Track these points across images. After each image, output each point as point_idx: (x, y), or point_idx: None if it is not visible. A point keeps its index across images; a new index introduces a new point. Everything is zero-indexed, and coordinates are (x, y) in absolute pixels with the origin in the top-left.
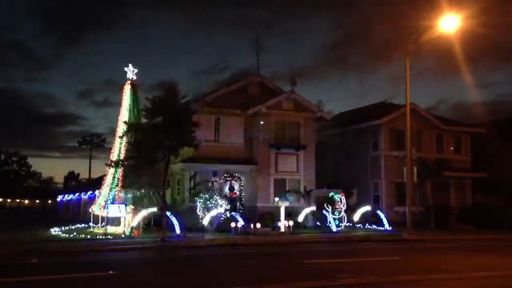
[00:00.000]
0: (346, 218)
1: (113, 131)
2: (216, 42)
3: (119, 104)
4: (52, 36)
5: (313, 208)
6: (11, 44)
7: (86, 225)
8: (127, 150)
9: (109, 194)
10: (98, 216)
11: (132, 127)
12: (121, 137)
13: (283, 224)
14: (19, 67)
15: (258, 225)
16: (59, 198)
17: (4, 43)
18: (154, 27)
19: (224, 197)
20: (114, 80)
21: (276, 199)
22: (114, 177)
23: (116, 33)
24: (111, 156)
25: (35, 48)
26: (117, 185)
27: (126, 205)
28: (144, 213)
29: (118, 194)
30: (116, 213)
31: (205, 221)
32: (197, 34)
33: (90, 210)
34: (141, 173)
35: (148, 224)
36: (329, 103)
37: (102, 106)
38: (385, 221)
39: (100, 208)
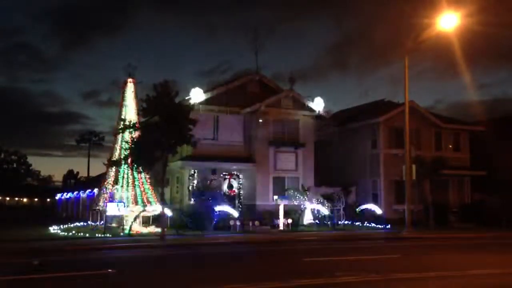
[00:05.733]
0: (344, 216)
1: (114, 130)
2: (219, 44)
3: (119, 103)
4: (59, 38)
5: (312, 206)
6: (19, 46)
7: (85, 223)
8: (125, 149)
9: (108, 192)
10: (96, 214)
11: (130, 125)
12: (117, 135)
13: (282, 222)
14: (26, 68)
15: (257, 223)
16: (58, 196)
17: (12, 45)
18: (158, 30)
19: (223, 195)
20: (119, 80)
21: (275, 197)
22: (114, 175)
23: (121, 35)
24: (112, 154)
25: (42, 50)
26: (116, 183)
27: (125, 203)
28: (143, 211)
29: (117, 192)
30: (115, 211)
31: (205, 219)
32: (200, 36)
33: (96, 208)
34: (140, 171)
35: (147, 222)
36: (329, 103)
37: (106, 105)
38: (383, 219)
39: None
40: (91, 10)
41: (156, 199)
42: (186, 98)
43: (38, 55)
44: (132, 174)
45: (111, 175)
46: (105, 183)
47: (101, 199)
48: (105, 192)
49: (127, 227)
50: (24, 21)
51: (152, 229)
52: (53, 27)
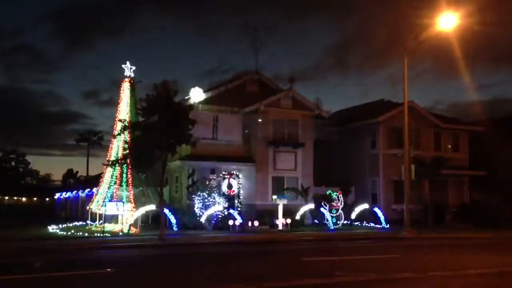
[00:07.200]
0: (343, 216)
1: (113, 129)
2: (219, 44)
3: (118, 103)
4: (60, 39)
5: (311, 206)
6: (21, 46)
7: (84, 223)
8: (124, 148)
9: (107, 192)
10: (96, 213)
11: (129, 125)
12: (117, 135)
13: (281, 222)
14: (27, 69)
15: (256, 223)
16: (57, 195)
17: (14, 46)
18: (158, 30)
19: (222, 195)
20: (119, 80)
21: (274, 197)
22: (112, 175)
23: (122, 36)
24: (109, 154)
25: (44, 50)
26: (115, 183)
27: (123, 203)
28: (142, 210)
29: (116, 192)
30: (114, 210)
31: (203, 219)
32: (200, 36)
33: (88, 208)
34: (139, 171)
35: (146, 222)
36: (329, 104)
37: (106, 105)
38: (382, 219)
39: (98, 206)
40: (92, 11)
41: (155, 199)
42: (186, 98)
43: (39, 55)
44: (132, 174)
45: (109, 174)
46: (104, 182)
47: (98, 199)
48: (103, 191)
49: (126, 227)
50: (25, 22)
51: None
52: (54, 28)
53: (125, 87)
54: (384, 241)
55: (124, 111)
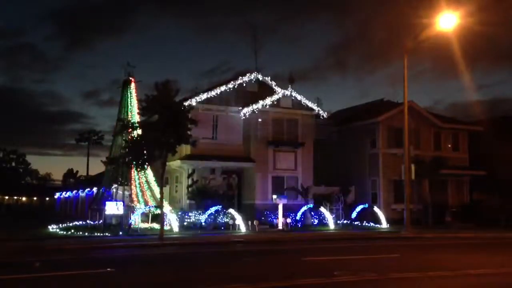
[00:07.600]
0: (344, 216)
1: (113, 129)
2: (219, 44)
3: (119, 102)
4: (60, 39)
5: (311, 205)
6: (21, 46)
7: (84, 222)
8: (124, 148)
9: (106, 191)
10: (96, 213)
11: (129, 124)
12: (117, 135)
13: (281, 221)
14: (28, 68)
15: (256, 223)
16: (57, 195)
17: (15, 46)
18: (158, 30)
19: (221, 194)
20: (119, 80)
21: (274, 196)
22: (112, 174)
23: (122, 36)
24: (111, 153)
25: (44, 50)
26: (115, 182)
27: (124, 203)
28: (142, 210)
29: (115, 191)
30: (114, 210)
31: (203, 219)
32: (200, 37)
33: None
34: (139, 170)
35: (146, 221)
36: (328, 104)
37: (106, 105)
38: (382, 218)
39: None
40: (92, 11)
41: (155, 198)
42: (186, 97)
43: (40, 55)
44: (132, 173)
45: (110, 174)
46: (104, 182)
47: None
48: (104, 190)
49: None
50: (25, 22)
51: (152, 226)
52: (54, 28)
53: (125, 87)
54: (384, 241)
55: (124, 110)
